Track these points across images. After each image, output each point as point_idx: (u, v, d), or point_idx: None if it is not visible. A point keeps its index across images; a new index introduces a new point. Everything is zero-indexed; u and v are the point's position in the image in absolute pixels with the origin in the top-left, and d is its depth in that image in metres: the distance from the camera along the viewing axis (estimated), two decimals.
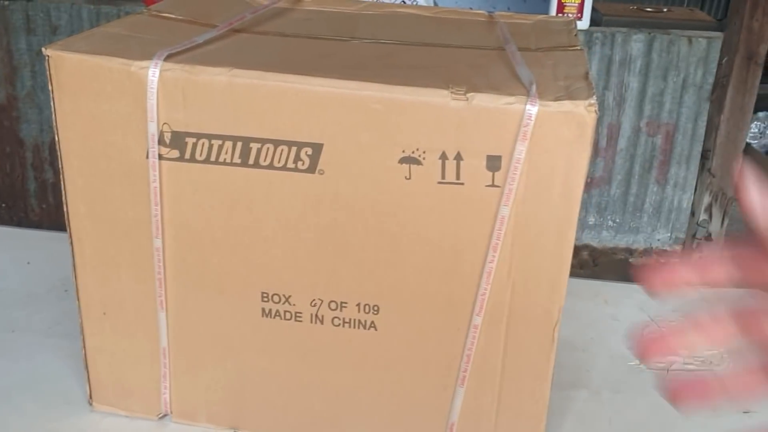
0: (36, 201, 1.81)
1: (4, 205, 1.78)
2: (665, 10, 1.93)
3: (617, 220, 1.92)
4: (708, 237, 1.95)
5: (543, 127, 0.51)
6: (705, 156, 1.88)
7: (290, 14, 0.73)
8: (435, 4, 1.72)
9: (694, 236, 1.95)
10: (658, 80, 1.75)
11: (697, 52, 1.75)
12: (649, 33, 1.69)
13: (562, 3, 1.63)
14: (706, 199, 1.92)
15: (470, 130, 0.53)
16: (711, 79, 1.78)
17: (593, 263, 2.00)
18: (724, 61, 1.78)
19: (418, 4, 1.57)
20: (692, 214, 1.95)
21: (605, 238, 1.95)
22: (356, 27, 0.70)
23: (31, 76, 1.71)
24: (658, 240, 1.94)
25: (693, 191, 1.92)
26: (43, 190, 1.78)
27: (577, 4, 1.64)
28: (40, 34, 1.66)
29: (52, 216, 1.80)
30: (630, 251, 1.96)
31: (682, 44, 1.73)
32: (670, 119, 1.80)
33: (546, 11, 1.72)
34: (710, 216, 1.95)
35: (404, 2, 1.57)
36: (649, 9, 1.88)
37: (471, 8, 2.25)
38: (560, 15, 1.65)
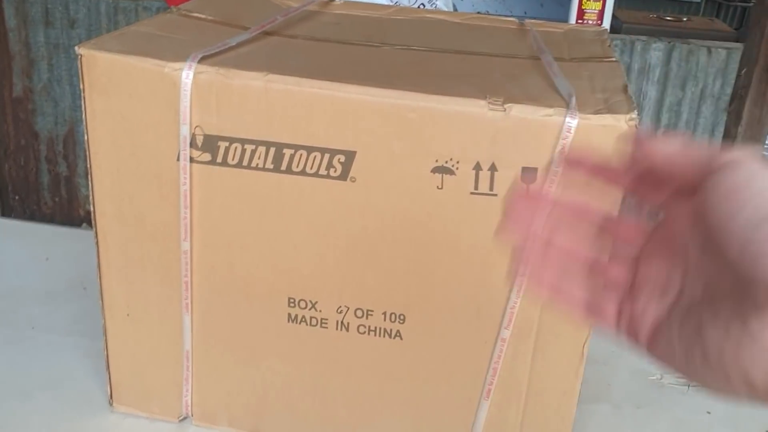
0: (49, 194, 1.81)
1: (17, 197, 1.78)
2: (685, 19, 1.92)
3: None
4: None
5: (582, 139, 0.50)
6: None
7: (320, 18, 0.73)
8: (454, 7, 1.71)
9: None
10: (676, 90, 1.74)
11: (716, 63, 1.74)
12: (669, 42, 1.68)
13: (583, 9, 1.63)
14: None
15: (506, 142, 0.52)
16: (729, 90, 1.78)
17: None
18: (742, 72, 1.77)
19: (438, 8, 1.56)
20: None
21: None
22: (386, 32, 0.69)
23: (48, 69, 1.71)
24: None
25: None
26: (56, 183, 1.78)
27: (597, 11, 1.64)
28: (58, 27, 1.66)
29: (64, 209, 1.80)
30: None
31: (701, 54, 1.72)
32: (687, 129, 1.79)
33: (564, 17, 1.71)
34: None
35: (424, 5, 1.56)
36: (668, 18, 1.87)
37: (488, 12, 2.24)
38: (580, 22, 1.64)
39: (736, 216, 0.25)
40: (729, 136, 1.82)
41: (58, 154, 1.76)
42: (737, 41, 1.76)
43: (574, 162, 0.33)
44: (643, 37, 1.69)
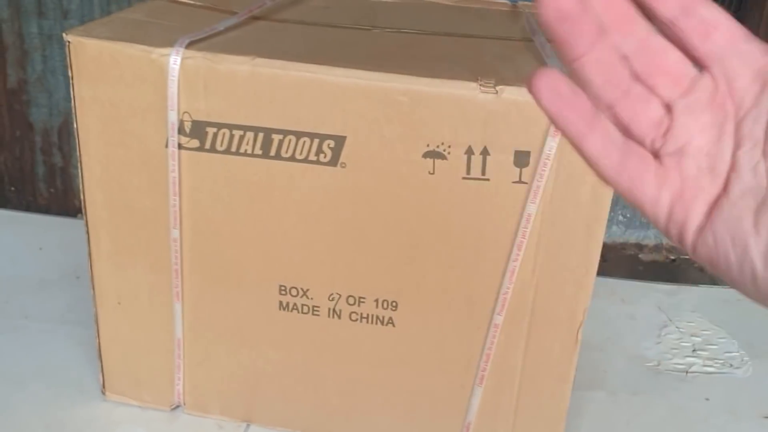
0: (45, 185, 1.80)
1: (12, 188, 1.77)
2: None
3: (627, 215, 1.91)
4: None
5: None
6: None
7: (309, 1, 0.72)
8: None
9: None
10: None
11: None
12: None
13: None
14: None
15: (498, 125, 0.51)
16: None
17: (603, 259, 1.99)
18: None
19: None
20: None
21: (615, 233, 1.94)
22: (377, 16, 0.68)
23: (42, 60, 1.70)
24: None
25: None
26: (52, 174, 1.77)
27: None
28: (51, 17, 1.65)
29: (60, 200, 1.79)
30: (640, 247, 1.95)
31: None
32: None
33: None
34: None
35: None
36: None
37: None
38: None
39: None
40: None
41: (53, 146, 1.75)
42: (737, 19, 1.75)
43: None
44: None
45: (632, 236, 1.95)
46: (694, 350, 0.79)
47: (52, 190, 1.80)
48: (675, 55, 0.24)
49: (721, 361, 0.77)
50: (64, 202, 1.82)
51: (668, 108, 0.25)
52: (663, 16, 0.24)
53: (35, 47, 1.72)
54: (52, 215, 1.14)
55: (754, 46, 0.24)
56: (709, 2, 0.24)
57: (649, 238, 1.95)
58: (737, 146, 0.24)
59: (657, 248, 1.96)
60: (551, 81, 0.24)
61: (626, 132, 0.25)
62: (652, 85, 0.25)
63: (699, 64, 0.25)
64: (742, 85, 0.24)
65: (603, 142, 0.25)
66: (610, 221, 1.94)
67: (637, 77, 0.25)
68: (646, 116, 0.25)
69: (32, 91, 1.76)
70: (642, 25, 0.24)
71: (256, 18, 0.64)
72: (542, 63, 0.56)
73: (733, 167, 0.24)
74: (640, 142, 0.25)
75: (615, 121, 0.25)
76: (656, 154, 0.25)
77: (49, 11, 1.70)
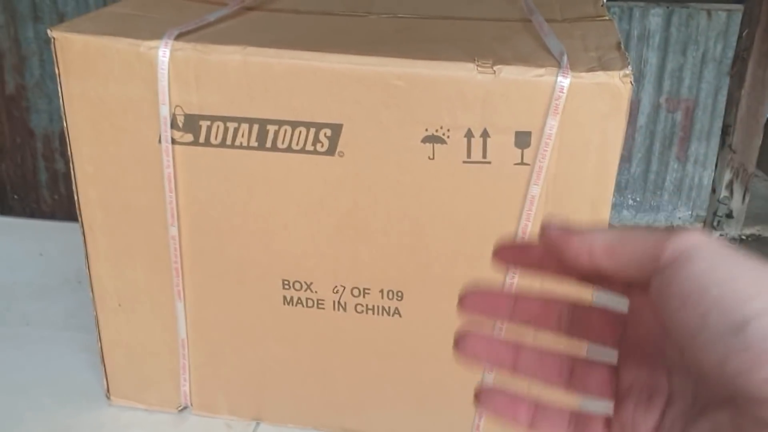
0: (48, 191, 1.80)
1: (16, 196, 1.77)
2: None
3: (638, 199, 1.89)
4: (729, 214, 1.92)
5: (575, 100, 0.48)
6: (725, 131, 1.84)
7: None
8: None
9: (715, 213, 1.92)
10: (677, 55, 1.71)
11: (716, 26, 1.71)
12: (668, 7, 1.65)
13: None
14: (727, 176, 1.88)
15: (497, 105, 0.50)
16: (731, 53, 1.74)
17: None
18: (744, 33, 1.74)
19: None
20: (713, 191, 1.91)
21: (626, 218, 1.92)
22: (372, 1, 0.67)
23: (40, 65, 1.69)
24: (679, 218, 1.90)
25: (714, 168, 1.88)
26: (55, 180, 1.77)
27: None
28: (47, 21, 1.64)
29: (64, 206, 1.79)
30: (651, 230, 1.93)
31: (701, 18, 1.69)
32: (690, 95, 1.76)
33: None
34: (731, 193, 1.91)
35: None
36: None
37: None
38: None
39: (701, 329, 0.21)
40: (733, 99, 1.79)
41: (55, 151, 1.75)
42: (738, 2, 1.73)
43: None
44: (641, 3, 1.66)
45: (643, 219, 1.93)
46: None
47: (55, 196, 1.80)
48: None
49: None
50: (69, 207, 1.82)
51: None
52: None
53: (32, 52, 1.72)
54: (56, 221, 1.13)
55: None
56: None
57: (660, 220, 1.93)
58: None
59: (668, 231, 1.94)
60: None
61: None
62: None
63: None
64: (649, 319, 0.27)
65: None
66: (621, 205, 1.93)
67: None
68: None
69: (31, 96, 1.76)
70: None
71: (248, 8, 0.62)
72: (540, 42, 0.54)
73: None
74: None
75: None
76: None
77: (44, 15, 1.69)
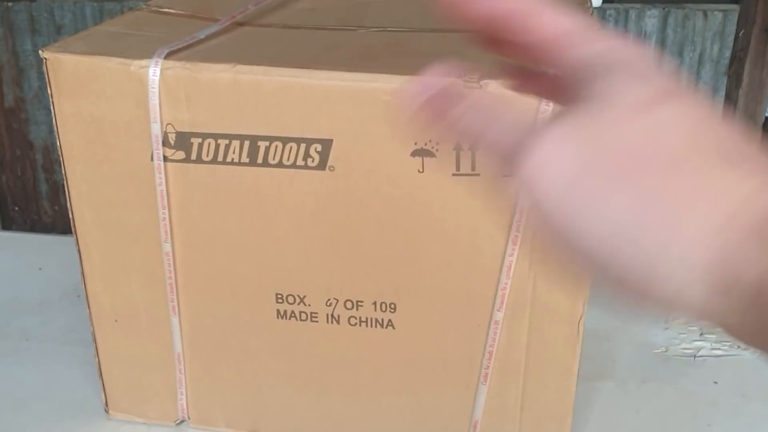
0: (48, 203, 1.81)
1: (16, 208, 1.78)
2: None
3: None
4: None
5: None
6: None
7: (295, 4, 0.71)
8: None
9: None
10: (673, 56, 1.71)
11: (712, 26, 1.71)
12: (664, 8, 1.66)
13: None
14: None
15: None
16: (728, 53, 1.74)
17: None
18: (740, 34, 1.74)
19: None
20: None
21: None
22: (364, 15, 0.67)
23: (38, 77, 1.70)
24: None
25: None
26: (55, 191, 1.78)
27: None
28: (44, 34, 1.65)
29: (65, 217, 1.80)
30: None
31: (697, 18, 1.69)
32: None
33: None
34: None
35: None
36: None
37: None
38: None
39: None
40: (730, 99, 1.79)
41: (55, 162, 1.76)
42: (733, 2, 1.73)
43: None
44: (637, 5, 1.66)
45: None
46: (701, 334, 0.77)
47: (56, 207, 1.81)
48: None
49: (729, 343, 0.75)
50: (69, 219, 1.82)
51: None
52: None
53: (30, 64, 1.73)
54: (57, 233, 1.14)
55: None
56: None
57: None
58: None
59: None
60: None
61: None
62: None
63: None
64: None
65: None
66: None
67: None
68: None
69: (30, 108, 1.76)
70: None
71: (239, 24, 0.63)
72: None
73: None
74: None
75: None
76: None
77: (42, 27, 1.70)
